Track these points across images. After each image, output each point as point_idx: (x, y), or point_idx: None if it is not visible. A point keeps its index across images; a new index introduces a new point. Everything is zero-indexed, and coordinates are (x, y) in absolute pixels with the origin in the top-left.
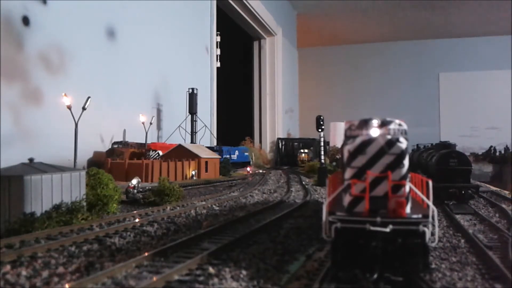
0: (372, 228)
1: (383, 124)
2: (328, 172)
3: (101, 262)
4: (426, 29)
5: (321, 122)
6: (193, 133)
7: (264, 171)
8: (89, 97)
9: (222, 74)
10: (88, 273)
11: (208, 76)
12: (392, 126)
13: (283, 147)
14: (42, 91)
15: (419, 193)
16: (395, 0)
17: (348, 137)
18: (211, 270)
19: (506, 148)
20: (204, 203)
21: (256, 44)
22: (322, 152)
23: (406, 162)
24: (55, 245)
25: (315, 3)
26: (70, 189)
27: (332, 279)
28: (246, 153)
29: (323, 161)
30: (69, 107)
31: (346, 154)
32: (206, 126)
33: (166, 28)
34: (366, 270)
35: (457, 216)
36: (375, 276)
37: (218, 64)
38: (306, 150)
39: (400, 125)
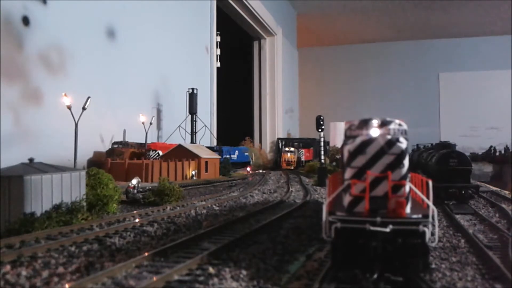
0: (372, 228)
1: (383, 124)
2: (328, 172)
3: (101, 262)
4: (426, 29)
5: (321, 122)
6: (193, 133)
7: (264, 171)
8: (89, 97)
9: (222, 74)
10: (88, 273)
11: (208, 76)
12: (392, 126)
13: (283, 147)
14: (42, 91)
15: (419, 193)
16: (395, 0)
17: (348, 137)
18: (211, 270)
19: (506, 148)
20: (204, 203)
21: (256, 44)
22: (322, 152)
23: (406, 162)
24: (55, 245)
25: (315, 3)
26: (70, 189)
27: (332, 279)
28: (246, 153)
29: (323, 161)
30: (69, 107)
31: (346, 154)
32: (206, 126)
33: (166, 28)
34: (366, 270)
35: (457, 216)
36: (375, 276)
37: (218, 64)
38: (292, 149)
39: (400, 125)
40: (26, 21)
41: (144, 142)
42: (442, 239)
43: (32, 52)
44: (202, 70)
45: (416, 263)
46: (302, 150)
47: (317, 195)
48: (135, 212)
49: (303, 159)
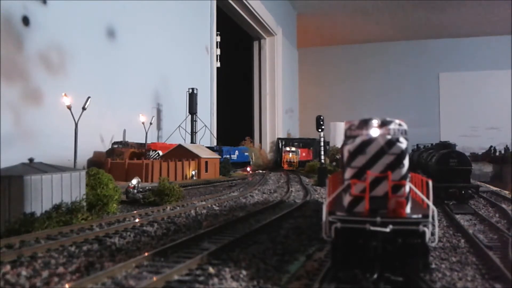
0: (372, 228)
1: (383, 124)
2: (328, 172)
3: (101, 262)
4: (426, 29)
5: (321, 122)
6: (193, 133)
7: (264, 171)
8: (89, 97)
9: (222, 74)
10: (88, 273)
11: (208, 76)
12: (392, 126)
13: (283, 147)
14: (42, 91)
15: (419, 193)
16: (395, 0)
17: (348, 137)
18: (211, 270)
19: (506, 148)
20: (204, 203)
21: (256, 44)
22: (322, 152)
23: (406, 162)
24: (55, 245)
25: (315, 3)
26: (70, 189)
27: (332, 279)
28: (246, 153)
29: (323, 161)
30: (69, 107)
31: (346, 154)
32: (206, 126)
33: (166, 28)
34: (366, 270)
35: (457, 216)
36: (375, 276)
37: (218, 64)
38: (293, 149)
39: (400, 125)
40: (26, 21)
41: (144, 142)
42: (442, 239)
43: (32, 52)
44: (202, 70)
45: (416, 263)
46: (298, 150)
47: (317, 195)
48: (135, 212)
49: (298, 159)
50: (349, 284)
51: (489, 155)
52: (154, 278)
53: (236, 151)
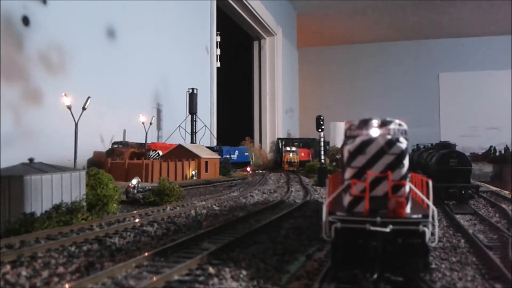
0: (372, 228)
1: (383, 124)
2: (328, 172)
3: (101, 262)
4: (426, 29)
5: (321, 122)
6: (193, 133)
7: (264, 171)
8: (89, 97)
9: (222, 74)
10: (88, 273)
11: (208, 76)
12: (392, 126)
13: (283, 147)
14: (42, 91)
15: (419, 193)
16: (395, 0)
17: (348, 137)
18: (211, 270)
19: (506, 148)
20: (204, 203)
21: (256, 44)
22: (322, 152)
23: (406, 162)
24: (55, 245)
25: (315, 3)
26: (70, 189)
27: (332, 279)
28: (246, 153)
29: (323, 161)
30: (69, 107)
31: (346, 154)
32: (206, 126)
33: (166, 28)
34: (366, 270)
35: (457, 216)
36: (375, 276)
37: (218, 64)
38: (294, 149)
39: (400, 125)
40: (26, 21)
41: (144, 142)
42: (442, 239)
43: (32, 52)
44: (202, 70)
45: (416, 263)
46: (298, 150)
47: (317, 195)
48: (135, 212)
49: (299, 159)
50: (349, 284)
51: (489, 155)
52: (154, 278)
53: (236, 151)
